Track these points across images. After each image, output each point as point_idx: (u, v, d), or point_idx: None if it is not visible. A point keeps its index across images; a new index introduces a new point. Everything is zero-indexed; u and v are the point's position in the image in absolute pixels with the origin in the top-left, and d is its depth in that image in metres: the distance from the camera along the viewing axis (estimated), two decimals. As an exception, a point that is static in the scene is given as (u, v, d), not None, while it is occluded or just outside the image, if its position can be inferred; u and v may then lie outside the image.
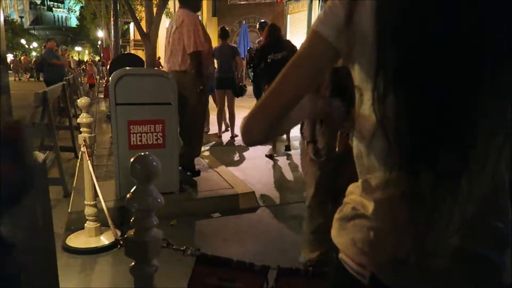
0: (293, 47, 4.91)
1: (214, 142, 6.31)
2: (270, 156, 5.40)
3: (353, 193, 0.81)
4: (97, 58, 36.47)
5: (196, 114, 3.96)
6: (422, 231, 0.67)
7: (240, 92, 6.13)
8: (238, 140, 6.43)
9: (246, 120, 0.76)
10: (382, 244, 0.71)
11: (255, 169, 4.93)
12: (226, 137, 6.62)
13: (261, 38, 6.42)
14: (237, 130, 6.43)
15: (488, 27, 0.61)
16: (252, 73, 6.16)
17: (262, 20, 6.70)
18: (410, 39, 0.63)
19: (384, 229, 0.70)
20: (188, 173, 4.05)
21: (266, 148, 5.56)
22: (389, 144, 0.66)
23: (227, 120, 6.72)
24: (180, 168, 3.75)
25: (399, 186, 0.67)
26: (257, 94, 5.31)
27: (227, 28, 6.32)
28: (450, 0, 0.61)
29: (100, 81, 15.02)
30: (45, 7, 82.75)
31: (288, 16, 13.64)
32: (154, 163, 1.17)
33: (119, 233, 1.63)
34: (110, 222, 1.48)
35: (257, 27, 6.43)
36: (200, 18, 4.45)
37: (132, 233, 1.22)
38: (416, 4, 0.62)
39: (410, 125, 0.65)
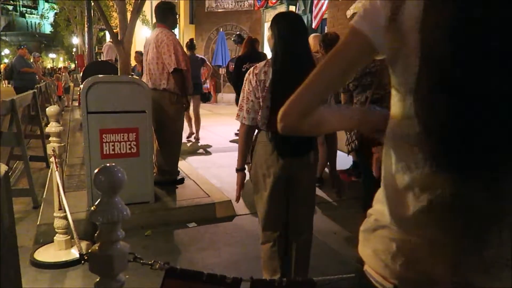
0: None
1: (189, 150, 6.24)
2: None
3: (377, 203, 0.80)
4: (73, 65, 35.60)
5: (176, 129, 4.10)
6: (464, 246, 0.63)
7: (207, 97, 7.16)
8: (215, 148, 6.38)
9: (284, 106, 0.79)
10: (408, 256, 0.69)
11: (232, 176, 4.85)
12: (204, 143, 6.56)
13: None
14: (201, 133, 6.81)
15: None
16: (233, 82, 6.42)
17: (238, 32, 7.24)
18: (458, 43, 0.62)
19: (413, 241, 0.68)
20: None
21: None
22: (435, 145, 0.65)
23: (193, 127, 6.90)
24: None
25: (443, 189, 0.64)
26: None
27: (194, 41, 6.96)
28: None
29: (75, 89, 14.59)
30: (18, 13, 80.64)
31: (266, 23, 13.72)
32: (119, 174, 1.12)
33: (84, 247, 1.56)
34: (75, 235, 1.42)
35: (235, 39, 7.04)
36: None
37: (97, 247, 1.17)
38: (466, 8, 0.61)
39: (462, 129, 0.63)
